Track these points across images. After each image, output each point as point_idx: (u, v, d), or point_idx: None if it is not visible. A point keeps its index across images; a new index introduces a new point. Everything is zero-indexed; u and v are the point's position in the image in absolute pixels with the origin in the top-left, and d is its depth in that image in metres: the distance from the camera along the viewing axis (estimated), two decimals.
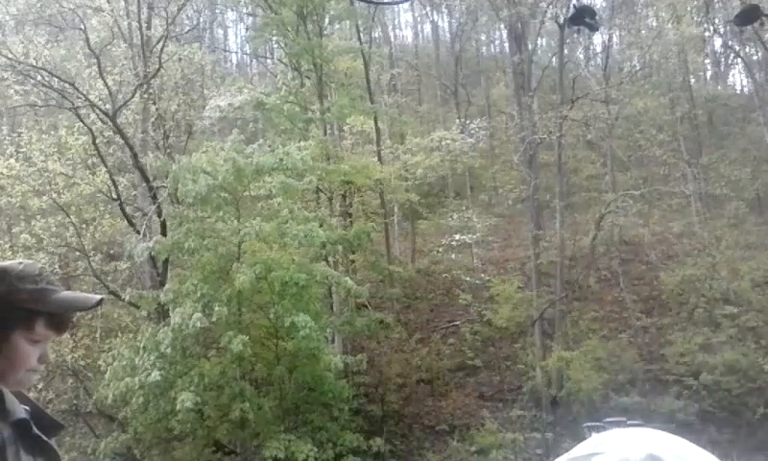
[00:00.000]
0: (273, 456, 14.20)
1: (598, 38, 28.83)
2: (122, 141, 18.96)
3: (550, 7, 23.71)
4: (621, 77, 26.85)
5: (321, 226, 16.25)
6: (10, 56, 18.01)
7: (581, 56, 30.13)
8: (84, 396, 19.21)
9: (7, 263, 1.71)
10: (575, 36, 23.27)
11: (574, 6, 6.56)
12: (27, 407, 1.73)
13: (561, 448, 15.65)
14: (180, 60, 21.37)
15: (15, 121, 25.06)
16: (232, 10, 37.42)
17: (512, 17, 24.57)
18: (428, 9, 39.54)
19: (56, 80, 18.74)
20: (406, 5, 40.54)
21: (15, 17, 22.20)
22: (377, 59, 29.28)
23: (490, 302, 21.74)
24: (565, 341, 20.03)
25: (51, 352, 1.77)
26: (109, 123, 18.78)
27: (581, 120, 24.17)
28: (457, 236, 24.51)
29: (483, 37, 41.55)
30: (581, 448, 1.30)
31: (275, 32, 23.36)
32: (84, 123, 18.95)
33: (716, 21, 27.46)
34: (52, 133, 20.62)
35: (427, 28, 45.83)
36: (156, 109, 19.96)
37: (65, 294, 1.73)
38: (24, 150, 19.36)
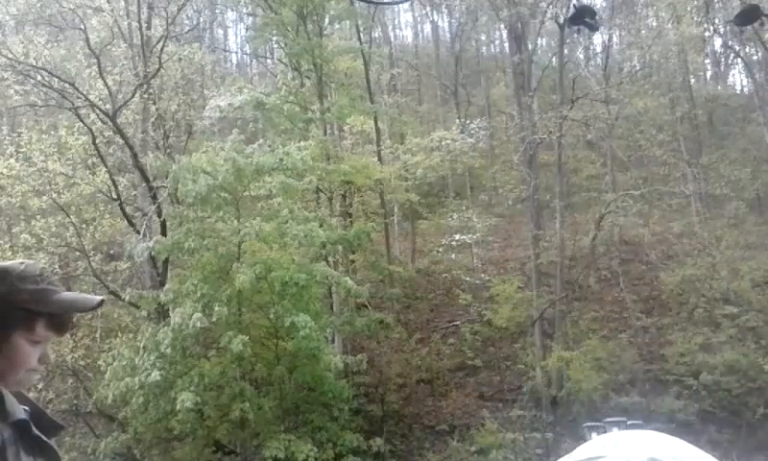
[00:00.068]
0: (273, 456, 14.21)
1: (598, 38, 28.88)
2: (122, 141, 18.96)
3: (550, 7, 23.71)
4: (621, 77, 26.86)
5: (321, 226, 16.26)
6: (10, 56, 18.02)
7: (581, 56, 30.15)
8: (84, 396, 19.21)
9: (8, 263, 1.71)
10: (575, 36, 23.26)
11: (574, 6, 6.55)
12: (27, 408, 1.72)
13: (561, 448, 15.67)
14: (180, 60, 21.37)
15: (15, 121, 25.06)
16: (232, 10, 37.43)
17: (512, 17, 24.57)
18: (428, 9, 39.54)
19: (56, 80, 18.74)
20: (406, 5, 40.55)
21: (15, 17, 22.20)
22: (377, 59, 29.27)
23: (490, 302, 21.74)
24: (565, 341, 20.03)
25: (51, 353, 1.76)
26: (109, 123, 18.78)
27: (581, 120, 24.17)
28: (457, 236, 24.52)
29: (483, 37, 41.56)
30: (582, 452, 1.30)
31: (275, 32, 23.36)
32: (84, 123, 18.95)
33: (716, 21, 27.45)
34: (52, 133, 20.61)
35: (427, 28, 45.86)
36: (156, 109, 19.96)
37: (66, 295, 1.73)
38: (24, 150, 19.35)
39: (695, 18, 26.91)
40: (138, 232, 17.42)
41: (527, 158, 23.33)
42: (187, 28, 29.22)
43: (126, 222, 19.58)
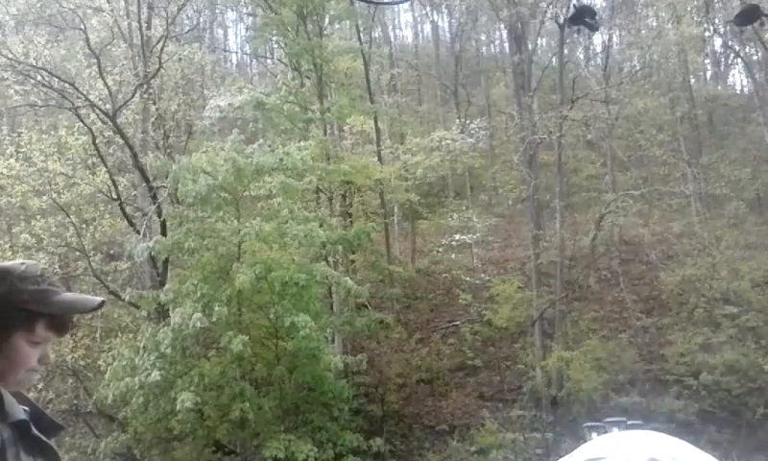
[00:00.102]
0: (273, 456, 14.21)
1: (598, 38, 28.87)
2: (122, 141, 18.96)
3: (550, 7, 23.71)
4: (621, 77, 26.86)
5: (321, 226, 16.26)
6: (10, 56, 18.02)
7: (581, 56, 30.14)
8: (84, 396, 19.21)
9: (9, 264, 1.70)
10: (575, 36, 23.26)
11: (574, 6, 6.56)
12: (26, 408, 1.72)
13: (561, 448, 15.67)
14: (180, 60, 21.37)
15: (15, 121, 25.06)
16: (232, 10, 37.43)
17: (512, 17, 24.57)
18: (428, 9, 39.54)
19: (56, 80, 18.74)
20: (406, 5, 40.55)
21: (15, 17, 22.20)
22: (377, 59, 29.27)
23: (490, 302, 21.74)
24: (565, 341, 20.03)
25: (51, 353, 1.76)
26: (109, 123, 18.78)
27: (581, 120, 24.17)
28: (457, 236, 24.52)
29: (483, 37, 41.56)
30: (582, 452, 1.30)
31: (275, 32, 23.36)
32: (84, 123, 18.95)
33: (716, 21, 27.45)
34: (52, 133, 20.62)
35: (427, 28, 45.85)
36: (156, 109, 19.96)
37: (67, 296, 1.73)
38: (24, 150, 19.36)
39: (695, 18, 26.91)
40: (138, 232, 17.42)
41: (527, 158, 23.33)
42: (187, 28, 29.23)
43: (126, 222, 19.58)
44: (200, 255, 15.96)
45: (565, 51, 24.34)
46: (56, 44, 20.87)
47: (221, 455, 16.43)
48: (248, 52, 41.59)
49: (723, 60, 39.64)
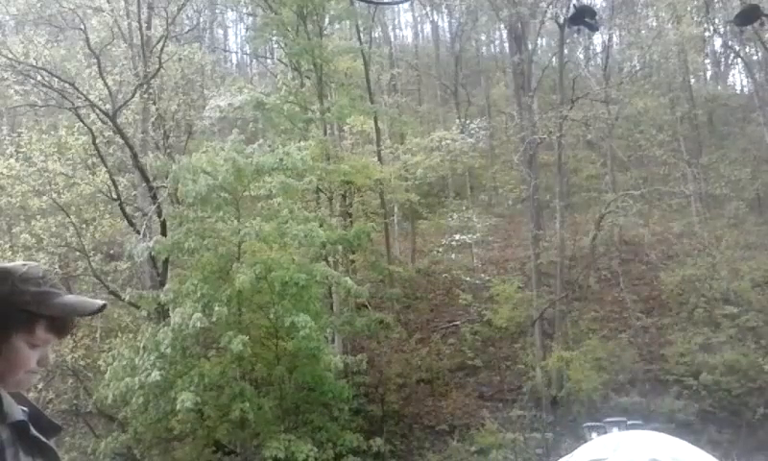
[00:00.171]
0: (273, 456, 14.20)
1: (598, 38, 28.87)
2: (122, 141, 18.96)
3: (550, 7, 23.72)
4: (621, 77, 26.86)
5: (321, 226, 16.26)
6: (10, 56, 18.01)
7: (581, 56, 30.14)
8: (84, 396, 19.20)
9: (10, 264, 1.70)
10: (575, 36, 23.27)
11: (574, 6, 6.56)
12: (25, 408, 1.72)
13: (561, 448, 15.67)
14: (180, 60, 21.37)
15: (15, 121, 25.06)
16: (232, 10, 37.42)
17: (512, 17, 24.57)
18: (428, 9, 39.53)
19: (56, 80, 18.74)
20: (406, 5, 40.54)
21: (15, 17, 22.21)
22: (377, 59, 29.27)
23: (490, 302, 21.75)
24: (565, 341, 20.03)
25: (51, 353, 1.76)
26: (109, 123, 18.78)
27: (581, 120, 24.17)
28: (457, 236, 24.52)
29: (483, 37, 41.55)
30: (582, 453, 1.30)
31: (275, 32, 23.36)
32: (84, 123, 18.95)
33: (716, 21, 27.46)
34: (52, 133, 20.62)
35: (427, 28, 45.85)
36: (156, 109, 19.96)
37: (68, 298, 1.72)
38: (24, 150, 19.36)
39: (695, 18, 26.92)
40: (138, 232, 17.42)
41: (527, 158, 23.33)
42: (187, 28, 29.23)
43: (126, 222, 19.58)
44: (200, 255, 15.95)
45: (565, 51, 24.34)
46: (56, 44, 20.86)
47: (221, 455, 16.43)
48: (248, 52, 41.62)
49: (723, 60, 39.67)
